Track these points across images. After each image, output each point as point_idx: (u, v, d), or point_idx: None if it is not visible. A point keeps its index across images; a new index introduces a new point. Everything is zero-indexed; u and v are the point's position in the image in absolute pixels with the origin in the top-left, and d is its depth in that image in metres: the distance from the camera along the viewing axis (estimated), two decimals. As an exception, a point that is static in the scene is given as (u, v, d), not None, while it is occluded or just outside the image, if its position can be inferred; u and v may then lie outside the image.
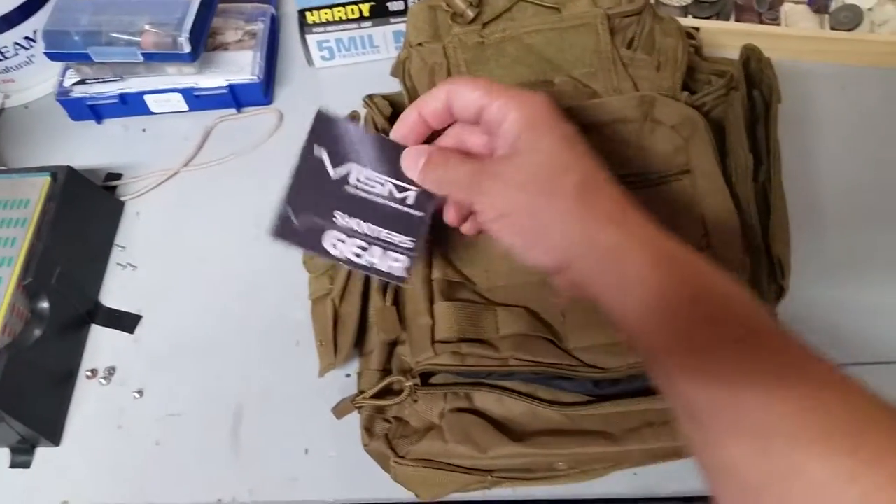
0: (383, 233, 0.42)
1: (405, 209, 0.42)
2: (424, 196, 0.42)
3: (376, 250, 0.41)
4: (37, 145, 0.68)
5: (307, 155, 0.41)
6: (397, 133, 0.42)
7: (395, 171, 0.42)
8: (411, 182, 0.42)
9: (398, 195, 0.42)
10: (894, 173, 0.60)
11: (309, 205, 0.41)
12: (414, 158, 0.41)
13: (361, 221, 0.41)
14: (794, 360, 0.31)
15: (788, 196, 0.50)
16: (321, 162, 0.41)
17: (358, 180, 0.42)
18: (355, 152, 0.42)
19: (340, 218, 0.41)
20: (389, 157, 0.42)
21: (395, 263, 0.42)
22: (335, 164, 0.41)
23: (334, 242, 0.41)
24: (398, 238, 0.42)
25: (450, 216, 0.43)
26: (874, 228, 0.57)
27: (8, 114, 0.71)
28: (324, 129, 0.41)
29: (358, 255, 0.41)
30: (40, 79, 0.72)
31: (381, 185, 0.42)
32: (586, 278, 0.36)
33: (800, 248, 0.49)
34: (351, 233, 0.41)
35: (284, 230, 0.40)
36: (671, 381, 0.33)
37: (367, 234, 0.41)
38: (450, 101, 0.40)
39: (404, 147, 0.42)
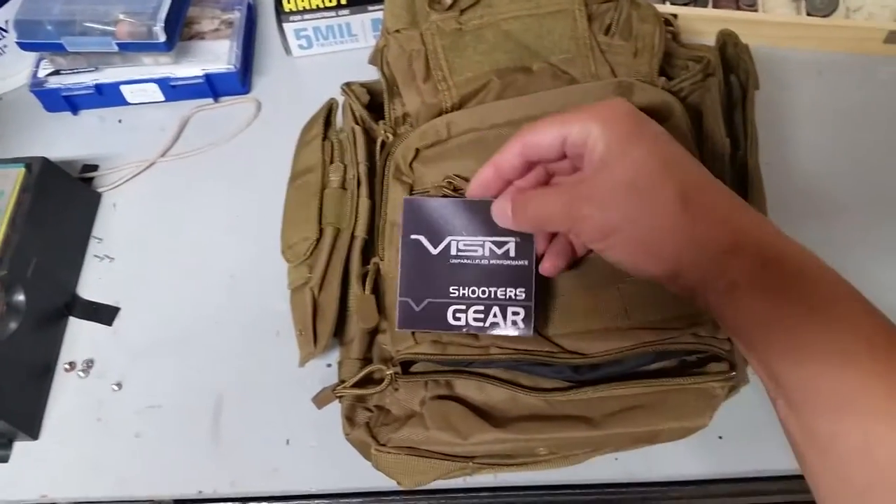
0: (497, 291, 0.43)
1: (509, 262, 0.43)
2: (523, 243, 0.43)
3: (495, 310, 0.43)
4: (11, 137, 0.67)
5: (407, 244, 0.44)
6: (475, 192, 0.42)
7: (489, 229, 0.43)
8: (507, 233, 0.42)
9: (499, 251, 0.43)
10: (870, 158, 0.60)
11: (424, 290, 0.43)
12: (502, 208, 0.41)
13: (475, 287, 0.43)
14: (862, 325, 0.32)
15: (766, 180, 0.50)
16: (421, 245, 0.44)
17: (459, 250, 0.43)
18: (448, 225, 0.44)
19: (455, 291, 0.43)
20: (479, 217, 0.43)
21: (516, 317, 0.43)
22: (434, 244, 0.44)
23: (457, 315, 0.43)
24: (511, 292, 0.43)
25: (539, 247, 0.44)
26: (851, 213, 0.57)
27: (-18, 105, 0.70)
28: (414, 215, 0.44)
29: (481, 320, 0.43)
30: (13, 70, 0.71)
31: (481, 246, 0.43)
32: (699, 284, 0.35)
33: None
34: (468, 301, 0.43)
35: (410, 321, 0.43)
36: (766, 365, 0.33)
37: (482, 298, 0.43)
38: (526, 154, 0.39)
39: (490, 202, 0.42)
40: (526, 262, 0.43)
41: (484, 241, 0.43)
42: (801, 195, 0.58)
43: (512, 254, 0.43)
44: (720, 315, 0.35)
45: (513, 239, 0.43)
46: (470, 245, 0.43)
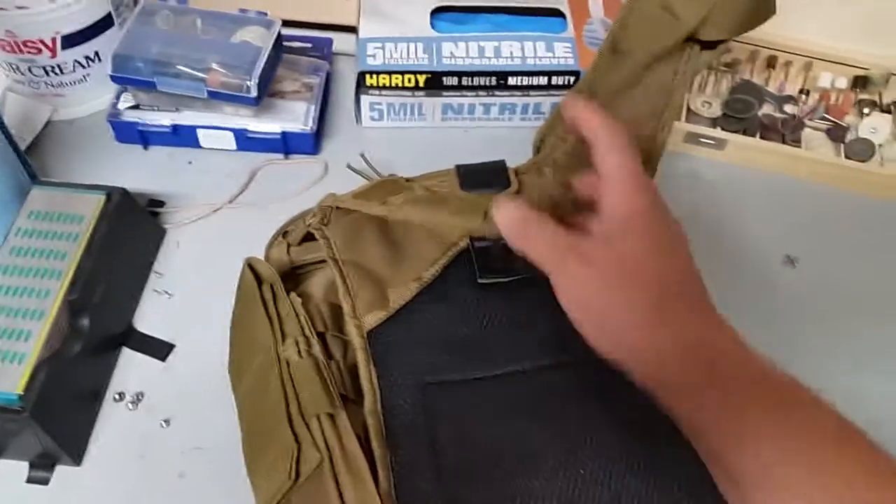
0: None
1: None
2: None
3: None
4: (79, 162, 0.69)
5: None
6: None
7: None
8: None
9: None
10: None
11: None
12: (508, 210, 0.42)
13: None
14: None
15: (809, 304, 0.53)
16: None
17: None
18: None
19: None
20: None
21: None
22: None
23: None
24: None
25: None
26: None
27: (53, 127, 0.72)
28: None
29: None
30: (89, 97, 0.73)
31: None
32: (651, 381, 0.38)
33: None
34: None
35: None
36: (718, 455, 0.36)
37: None
38: (597, 141, 0.43)
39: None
40: None
41: None
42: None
43: None
44: (676, 414, 0.38)
45: None
46: None
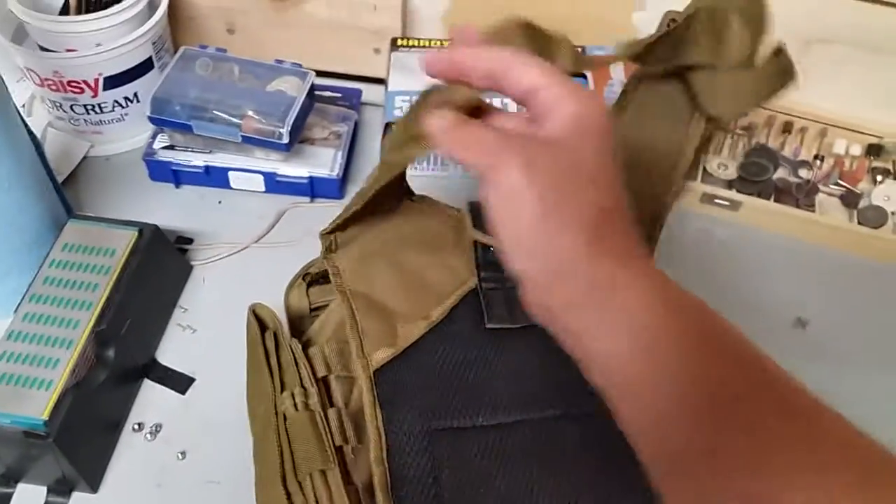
0: None
1: None
2: None
3: None
4: (112, 197, 0.72)
5: None
6: (430, 62, 0.37)
7: None
8: None
9: None
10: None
11: None
12: (439, 118, 0.37)
13: None
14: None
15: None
16: None
17: None
18: None
19: None
20: None
21: None
22: None
23: None
24: None
25: None
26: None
27: (89, 162, 0.75)
28: None
29: None
30: (126, 136, 0.76)
31: None
32: (566, 306, 0.33)
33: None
34: None
35: None
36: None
37: None
38: (506, 68, 0.35)
39: None
40: None
41: None
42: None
43: None
44: (584, 352, 0.34)
45: None
46: None
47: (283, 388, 0.49)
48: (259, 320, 0.53)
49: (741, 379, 0.32)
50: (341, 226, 0.55)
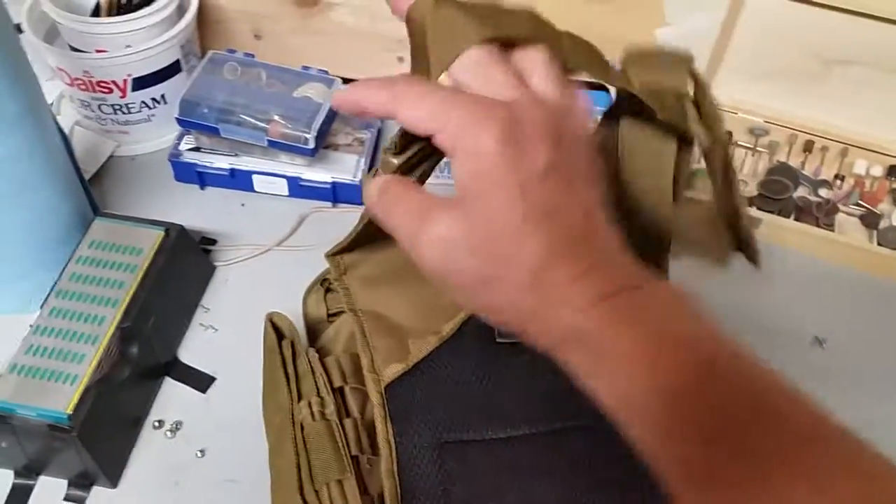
0: None
1: None
2: None
3: None
4: (137, 196, 0.73)
5: None
6: (339, 99, 0.34)
7: None
8: None
9: None
10: None
11: None
12: (375, 183, 0.34)
13: None
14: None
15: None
16: None
17: None
18: None
19: None
20: None
21: None
22: None
23: None
24: None
25: None
26: None
27: (115, 161, 0.76)
28: None
29: None
30: (152, 136, 0.77)
31: None
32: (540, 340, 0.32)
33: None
34: None
35: None
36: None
37: None
38: (396, 109, 0.32)
39: None
40: None
41: None
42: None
43: None
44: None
45: None
46: None
47: (300, 397, 0.49)
48: (276, 329, 0.54)
49: (744, 414, 0.30)
50: (347, 248, 0.55)
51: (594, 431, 0.46)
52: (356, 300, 0.52)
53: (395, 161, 0.36)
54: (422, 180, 0.38)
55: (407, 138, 0.34)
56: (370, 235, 0.54)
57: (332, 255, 0.54)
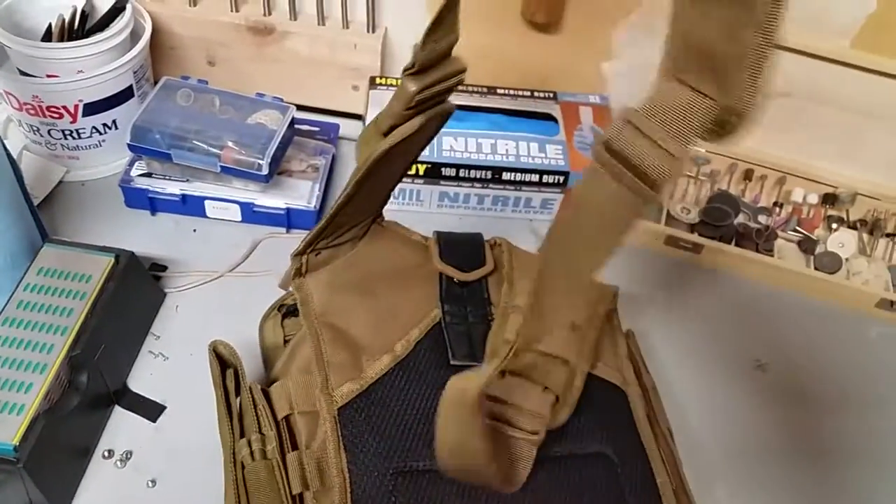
0: None
1: None
2: None
3: None
4: (87, 222, 0.72)
5: None
6: None
7: None
8: None
9: None
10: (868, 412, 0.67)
11: None
12: None
13: None
14: None
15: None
16: None
17: None
18: None
19: None
20: None
21: None
22: None
23: None
24: None
25: None
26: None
27: (64, 187, 0.75)
28: None
29: None
30: (102, 162, 0.77)
31: None
32: None
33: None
34: None
35: None
36: None
37: None
38: None
39: None
40: None
41: None
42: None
43: None
44: None
45: None
46: None
47: (242, 433, 0.49)
48: (219, 358, 0.53)
49: None
50: (312, 241, 0.55)
51: (556, 461, 0.46)
52: (314, 308, 0.52)
53: (413, 87, 0.40)
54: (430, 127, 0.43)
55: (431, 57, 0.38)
56: (339, 228, 0.54)
57: (299, 253, 0.54)
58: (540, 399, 0.46)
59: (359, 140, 0.49)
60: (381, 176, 0.50)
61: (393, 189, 0.56)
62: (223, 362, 0.52)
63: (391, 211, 0.75)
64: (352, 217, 0.54)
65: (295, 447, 0.48)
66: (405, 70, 0.42)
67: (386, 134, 0.46)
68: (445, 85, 0.45)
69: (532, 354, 0.49)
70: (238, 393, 0.51)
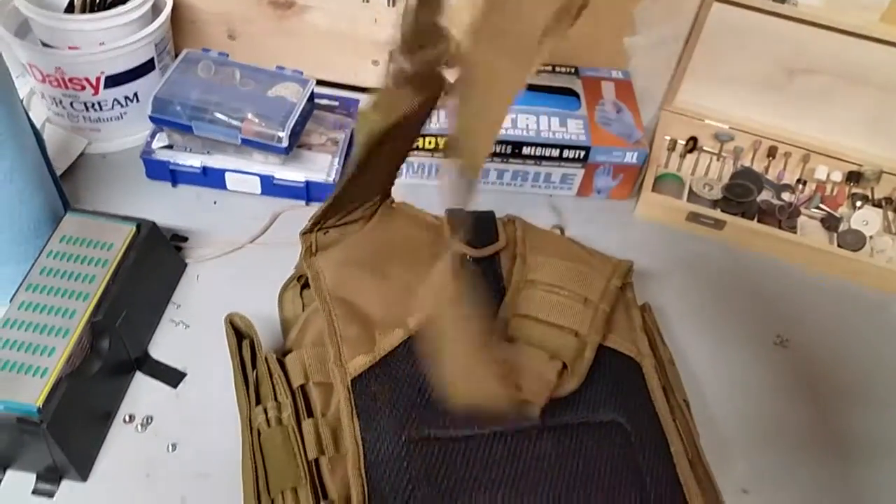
0: None
1: None
2: None
3: None
4: (108, 193, 0.72)
5: None
6: None
7: None
8: None
9: None
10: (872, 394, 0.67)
11: None
12: None
13: None
14: None
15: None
16: None
17: None
18: None
19: None
20: None
21: None
22: None
23: None
24: None
25: None
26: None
27: (86, 159, 0.76)
28: None
29: None
30: (123, 134, 0.77)
31: None
32: None
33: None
34: None
35: None
36: None
37: None
38: None
39: None
40: None
41: None
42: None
43: None
44: None
45: None
46: None
47: (258, 401, 0.50)
48: (235, 329, 0.54)
49: None
50: (320, 220, 0.55)
51: (563, 431, 0.47)
52: (325, 284, 0.53)
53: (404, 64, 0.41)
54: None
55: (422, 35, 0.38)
56: (348, 203, 0.54)
57: (307, 231, 0.54)
58: (545, 364, 0.47)
59: (358, 119, 0.49)
60: (382, 155, 0.50)
61: (399, 167, 0.56)
62: (239, 333, 0.52)
63: (410, 185, 0.75)
64: (358, 195, 0.55)
65: (310, 415, 0.49)
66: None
67: (382, 114, 0.46)
68: (434, 56, 0.43)
69: (542, 326, 0.50)
70: (255, 363, 0.51)
